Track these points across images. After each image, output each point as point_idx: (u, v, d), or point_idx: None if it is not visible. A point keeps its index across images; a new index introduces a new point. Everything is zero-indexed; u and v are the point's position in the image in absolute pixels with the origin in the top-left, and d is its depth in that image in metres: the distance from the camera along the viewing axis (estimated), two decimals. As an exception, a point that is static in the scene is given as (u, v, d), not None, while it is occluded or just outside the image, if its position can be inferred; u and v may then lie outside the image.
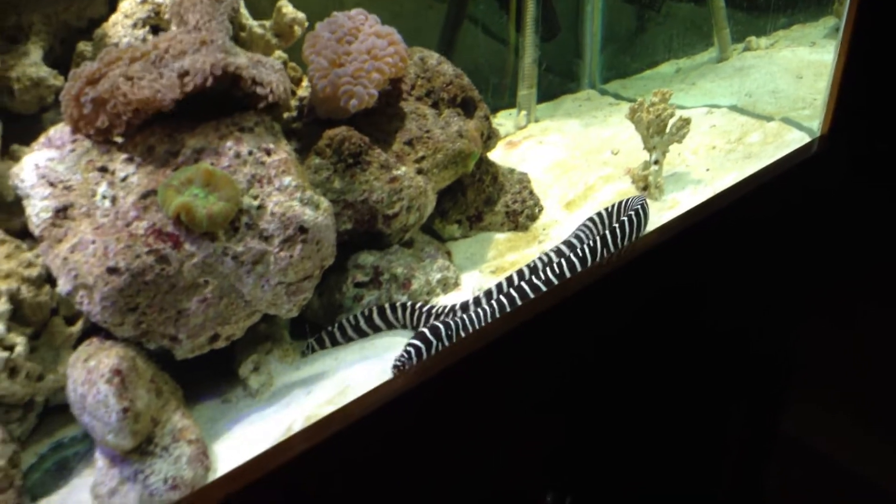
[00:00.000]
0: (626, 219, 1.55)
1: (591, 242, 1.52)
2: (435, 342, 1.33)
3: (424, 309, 1.49)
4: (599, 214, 1.71)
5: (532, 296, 1.45)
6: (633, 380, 1.69)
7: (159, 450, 1.17)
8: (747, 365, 2.18)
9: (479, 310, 1.43)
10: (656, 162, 1.88)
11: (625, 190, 1.93)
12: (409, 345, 1.31)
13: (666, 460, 1.98)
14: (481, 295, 1.52)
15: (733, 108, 2.39)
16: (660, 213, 1.79)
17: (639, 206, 1.59)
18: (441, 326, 1.35)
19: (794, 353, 2.39)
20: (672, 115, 1.85)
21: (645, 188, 1.89)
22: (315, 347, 1.49)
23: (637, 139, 2.00)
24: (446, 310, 1.49)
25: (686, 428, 2.00)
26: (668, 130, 1.86)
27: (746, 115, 2.31)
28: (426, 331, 1.34)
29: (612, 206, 1.70)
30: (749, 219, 1.80)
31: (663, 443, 1.92)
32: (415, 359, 1.29)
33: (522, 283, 1.47)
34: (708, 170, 1.99)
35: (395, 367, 1.30)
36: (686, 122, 1.85)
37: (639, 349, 1.65)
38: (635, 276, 1.54)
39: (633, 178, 1.93)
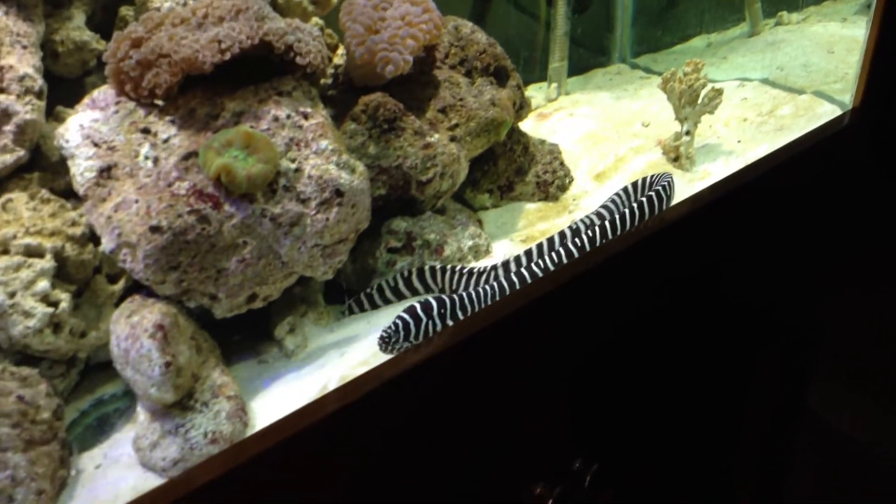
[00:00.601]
0: (652, 194, 1.56)
1: (614, 217, 1.52)
2: (425, 319, 1.29)
3: (465, 270, 1.51)
4: (625, 189, 1.71)
5: (556, 265, 1.46)
6: (661, 349, 1.70)
7: (199, 405, 1.20)
8: (774, 337, 2.18)
9: (487, 287, 1.42)
10: (688, 133, 1.88)
11: (655, 161, 1.93)
12: (399, 317, 1.28)
13: (691, 431, 1.99)
14: (515, 258, 1.54)
15: (765, 81, 2.38)
16: (691, 184, 1.79)
17: (665, 183, 1.60)
18: (434, 303, 1.31)
19: (820, 327, 2.39)
20: (704, 86, 1.86)
21: (676, 159, 1.90)
22: (354, 309, 1.51)
23: (668, 112, 2.00)
24: (487, 269, 1.51)
25: (711, 399, 2.01)
26: (699, 101, 1.87)
27: (778, 89, 2.30)
28: (417, 306, 1.30)
29: (637, 182, 1.71)
30: (780, 190, 1.80)
31: (689, 413, 1.94)
32: (402, 332, 1.26)
33: (545, 258, 1.48)
34: (739, 141, 1.99)
35: (381, 338, 1.26)
36: (718, 92, 1.85)
37: (667, 319, 1.67)
38: (665, 246, 1.55)
39: (664, 149, 1.94)
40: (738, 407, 2.17)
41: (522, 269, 1.46)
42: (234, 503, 1.02)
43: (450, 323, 1.32)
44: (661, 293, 1.61)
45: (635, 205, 1.53)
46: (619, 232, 1.51)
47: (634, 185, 1.69)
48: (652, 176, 1.67)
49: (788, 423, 2.50)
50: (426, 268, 1.52)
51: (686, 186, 1.77)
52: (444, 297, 1.33)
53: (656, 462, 1.91)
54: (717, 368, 1.96)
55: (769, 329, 2.13)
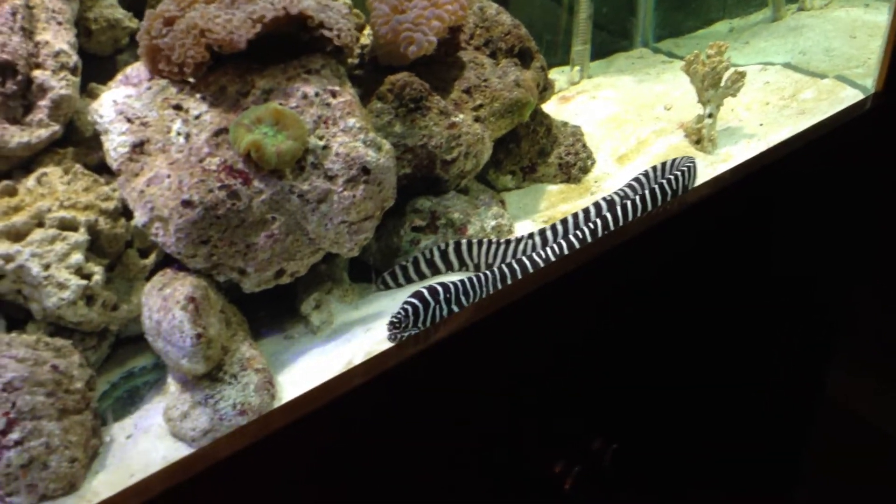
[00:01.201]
0: (672, 177, 1.56)
1: (634, 199, 1.53)
2: (433, 304, 1.31)
3: (501, 242, 1.53)
4: (645, 174, 1.72)
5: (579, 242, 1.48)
6: (682, 329, 1.71)
7: (228, 377, 1.23)
8: (795, 321, 2.19)
9: (504, 266, 1.44)
10: (710, 115, 1.89)
11: (677, 144, 1.94)
12: (407, 303, 1.30)
13: (710, 414, 2.00)
14: (552, 227, 1.58)
15: (787, 65, 2.38)
16: (713, 167, 1.80)
17: (688, 166, 1.60)
18: (440, 289, 1.32)
19: (842, 313, 2.40)
20: (727, 69, 1.86)
21: (698, 142, 1.91)
22: (388, 282, 1.53)
23: (690, 96, 2.01)
24: (524, 237, 1.54)
25: (732, 382, 2.02)
26: (722, 84, 1.87)
27: (800, 73, 2.30)
28: (424, 290, 1.31)
29: (657, 165, 1.71)
30: (802, 173, 1.81)
31: (709, 396, 1.95)
32: (411, 317, 1.28)
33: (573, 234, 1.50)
34: (762, 125, 1.99)
35: (391, 323, 1.28)
36: (741, 75, 1.86)
37: (688, 299, 1.68)
38: (686, 227, 1.56)
39: (687, 131, 1.94)
40: (759, 390, 2.18)
41: (553, 245, 1.48)
42: (259, 476, 1.04)
43: (455, 308, 1.33)
44: (682, 273, 1.62)
45: (656, 186, 1.54)
46: (639, 213, 1.52)
47: (656, 168, 1.70)
48: (674, 159, 1.68)
49: (808, 408, 2.51)
50: (463, 242, 1.54)
51: (708, 169, 1.77)
52: (448, 282, 1.34)
53: (675, 443, 1.93)
54: (739, 351, 1.97)
55: (789, 313, 2.14)
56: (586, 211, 1.60)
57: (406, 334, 1.26)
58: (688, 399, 1.86)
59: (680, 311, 1.67)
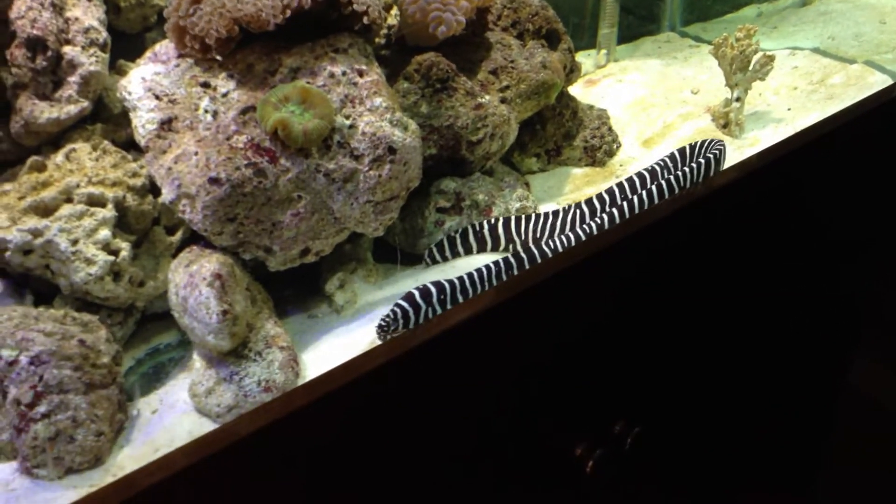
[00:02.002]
0: (703, 161, 1.55)
1: (660, 182, 1.52)
2: (425, 306, 1.27)
3: (549, 214, 1.56)
4: (671, 156, 1.70)
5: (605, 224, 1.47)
6: (706, 315, 1.70)
7: (253, 354, 1.23)
8: (821, 310, 2.17)
9: (500, 261, 1.41)
10: (738, 99, 1.87)
11: (704, 128, 1.93)
12: (397, 305, 1.27)
13: (732, 400, 2.00)
14: (598, 196, 1.60)
15: (815, 50, 2.35)
16: (740, 150, 1.79)
17: (718, 150, 1.58)
18: (433, 290, 1.29)
19: (868, 304, 2.38)
20: (756, 52, 1.84)
21: (725, 125, 1.89)
22: (435, 256, 1.55)
23: (717, 80, 1.99)
24: (572, 207, 1.56)
25: (754, 369, 2.01)
26: (751, 67, 1.86)
27: (829, 58, 2.27)
28: (416, 293, 1.28)
29: (687, 146, 1.69)
30: (830, 158, 1.79)
31: (731, 382, 1.94)
32: (401, 321, 1.25)
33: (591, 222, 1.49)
34: (789, 109, 1.98)
35: (379, 326, 1.26)
36: (770, 59, 1.84)
37: (713, 283, 1.67)
38: (713, 211, 1.55)
39: (714, 115, 1.93)
40: (782, 378, 2.17)
41: (584, 227, 1.48)
42: (281, 453, 1.05)
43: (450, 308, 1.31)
44: (708, 257, 1.61)
45: (687, 169, 1.52)
46: (666, 195, 1.51)
47: (684, 150, 1.69)
48: (704, 141, 1.67)
49: (831, 396, 2.49)
50: (512, 217, 1.55)
51: (735, 153, 1.76)
52: (443, 281, 1.31)
53: (697, 428, 1.92)
54: (763, 338, 1.96)
55: (813, 301, 2.12)
56: (621, 186, 1.61)
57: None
58: (711, 386, 1.86)
59: (704, 296, 1.66)
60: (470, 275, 1.34)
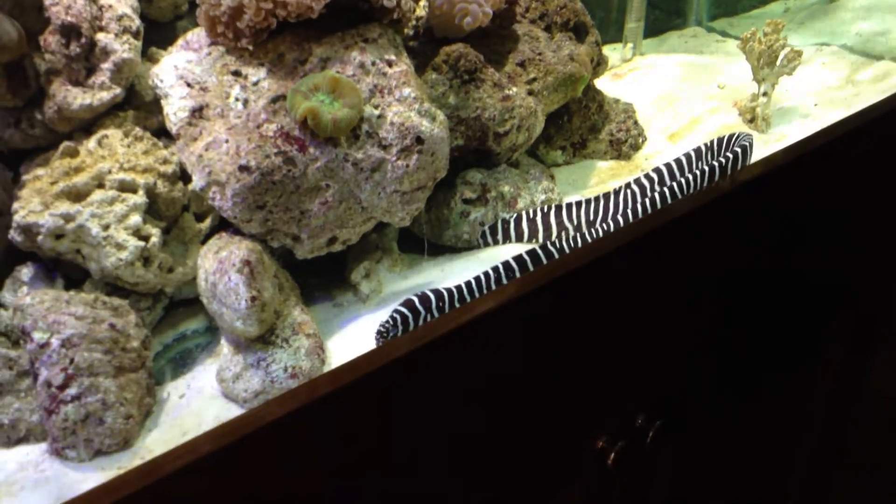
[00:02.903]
0: (731, 155, 1.55)
1: (687, 176, 1.52)
2: (424, 312, 1.28)
3: (600, 197, 1.59)
4: (697, 150, 1.70)
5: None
6: (731, 311, 1.70)
7: (280, 340, 1.25)
8: (844, 308, 2.16)
9: (501, 265, 1.40)
10: (765, 94, 1.87)
11: (730, 122, 1.92)
12: (396, 311, 1.28)
13: (754, 398, 1.99)
14: (646, 176, 1.62)
15: (843, 47, 2.34)
16: (767, 146, 1.78)
17: (746, 144, 1.58)
18: (432, 297, 1.30)
19: (891, 305, 2.37)
20: (784, 47, 1.84)
21: (752, 120, 1.89)
22: (488, 238, 1.58)
23: (744, 76, 1.99)
24: (622, 187, 1.60)
25: (777, 366, 2.01)
26: (778, 62, 1.85)
27: (856, 55, 2.26)
28: (415, 299, 1.29)
29: (714, 140, 1.69)
30: (856, 156, 1.78)
31: (753, 380, 1.94)
32: (400, 327, 1.26)
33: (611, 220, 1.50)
34: (816, 105, 1.97)
35: (378, 332, 1.27)
36: (798, 54, 1.84)
37: (737, 280, 1.67)
38: (738, 207, 1.55)
39: (741, 110, 1.93)
40: (803, 376, 2.17)
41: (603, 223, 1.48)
42: (306, 439, 1.06)
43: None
44: (731, 255, 1.61)
45: (716, 163, 1.52)
46: (691, 190, 1.52)
47: (712, 143, 1.68)
48: (731, 135, 1.66)
49: (852, 396, 2.48)
50: (563, 202, 1.59)
51: (762, 148, 1.76)
52: (442, 289, 1.32)
53: (718, 424, 1.92)
54: (785, 336, 1.95)
55: (839, 300, 2.12)
56: (661, 172, 1.64)
57: None
58: (733, 383, 1.85)
59: (728, 293, 1.65)
60: (468, 283, 1.35)
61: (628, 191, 1.60)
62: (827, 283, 2.02)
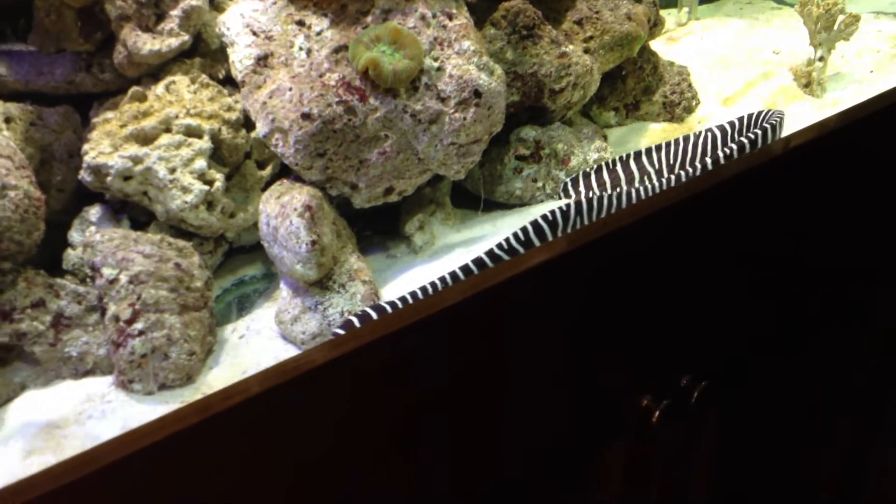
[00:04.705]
0: (760, 131, 1.54)
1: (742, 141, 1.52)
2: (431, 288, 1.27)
3: (679, 141, 1.61)
4: (731, 123, 1.68)
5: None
6: (779, 278, 1.70)
7: (337, 286, 1.28)
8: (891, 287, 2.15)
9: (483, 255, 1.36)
10: (821, 58, 1.85)
11: (785, 87, 1.91)
12: (362, 311, 1.25)
13: (798, 366, 1.99)
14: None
15: (902, 15, 2.31)
16: (821, 110, 1.78)
17: (776, 121, 1.56)
18: (400, 305, 1.25)
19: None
20: (842, 12, 1.83)
21: (807, 85, 1.88)
22: (569, 190, 1.59)
23: (799, 41, 1.97)
24: (703, 132, 1.62)
25: (823, 339, 2.00)
26: (836, 27, 1.84)
27: (914, 23, 2.24)
28: (387, 306, 1.25)
29: (745, 116, 1.68)
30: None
31: (798, 347, 1.94)
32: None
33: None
34: (872, 72, 1.95)
35: (335, 330, 1.24)
36: (855, 18, 1.82)
37: (789, 244, 1.67)
38: (788, 172, 1.55)
39: (796, 74, 1.92)
40: (850, 342, 2.16)
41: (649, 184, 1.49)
42: (350, 385, 1.07)
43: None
44: (786, 215, 1.61)
45: (745, 140, 1.52)
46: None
47: (742, 119, 1.67)
48: (760, 112, 1.65)
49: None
50: (643, 150, 1.61)
51: (816, 112, 1.75)
52: (397, 301, 1.27)
53: (762, 388, 1.92)
54: (836, 300, 1.95)
55: (887, 277, 2.10)
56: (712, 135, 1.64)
57: None
58: (780, 345, 1.85)
59: (780, 252, 1.65)
60: (433, 283, 1.30)
61: (708, 134, 1.60)
62: (877, 257, 2.00)
